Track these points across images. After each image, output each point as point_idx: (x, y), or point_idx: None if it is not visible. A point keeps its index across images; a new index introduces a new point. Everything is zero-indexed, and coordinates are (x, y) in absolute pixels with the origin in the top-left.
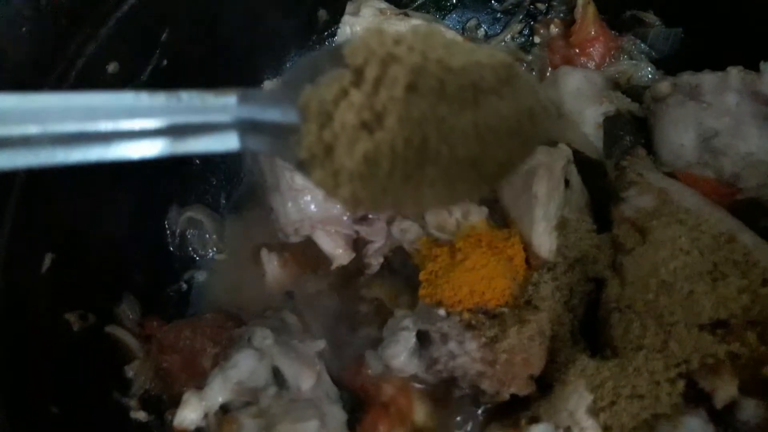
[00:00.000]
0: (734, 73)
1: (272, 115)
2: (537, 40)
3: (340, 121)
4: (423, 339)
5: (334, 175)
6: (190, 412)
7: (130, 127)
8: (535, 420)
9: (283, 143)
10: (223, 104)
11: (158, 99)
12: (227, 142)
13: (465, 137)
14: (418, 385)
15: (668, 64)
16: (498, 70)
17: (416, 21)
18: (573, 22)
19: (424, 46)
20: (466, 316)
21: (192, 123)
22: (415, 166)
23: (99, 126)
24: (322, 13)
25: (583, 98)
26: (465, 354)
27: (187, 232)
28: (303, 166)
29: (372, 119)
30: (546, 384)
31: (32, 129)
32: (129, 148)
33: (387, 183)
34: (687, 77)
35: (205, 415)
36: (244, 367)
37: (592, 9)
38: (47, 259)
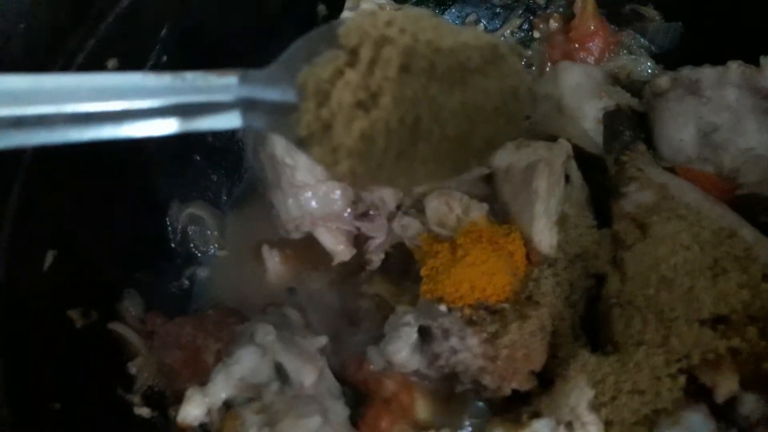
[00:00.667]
0: (734, 67)
1: (272, 94)
2: (536, 35)
3: (337, 100)
4: (424, 335)
5: (332, 151)
6: (193, 408)
7: (139, 106)
8: (536, 415)
9: (283, 121)
10: (225, 84)
11: (164, 79)
12: (230, 121)
13: (454, 115)
14: (419, 381)
15: (668, 59)
16: (484, 51)
17: None
18: (572, 16)
19: (414, 27)
20: (467, 311)
21: (196, 102)
22: (408, 143)
23: (110, 105)
24: (322, 8)
25: (582, 93)
26: (466, 349)
27: (189, 229)
28: (303, 143)
29: (367, 98)
30: (547, 379)
31: (47, 108)
32: (138, 126)
33: (382, 159)
34: (687, 72)
35: (208, 411)
36: (247, 363)
37: (591, 4)
38: (49, 257)
